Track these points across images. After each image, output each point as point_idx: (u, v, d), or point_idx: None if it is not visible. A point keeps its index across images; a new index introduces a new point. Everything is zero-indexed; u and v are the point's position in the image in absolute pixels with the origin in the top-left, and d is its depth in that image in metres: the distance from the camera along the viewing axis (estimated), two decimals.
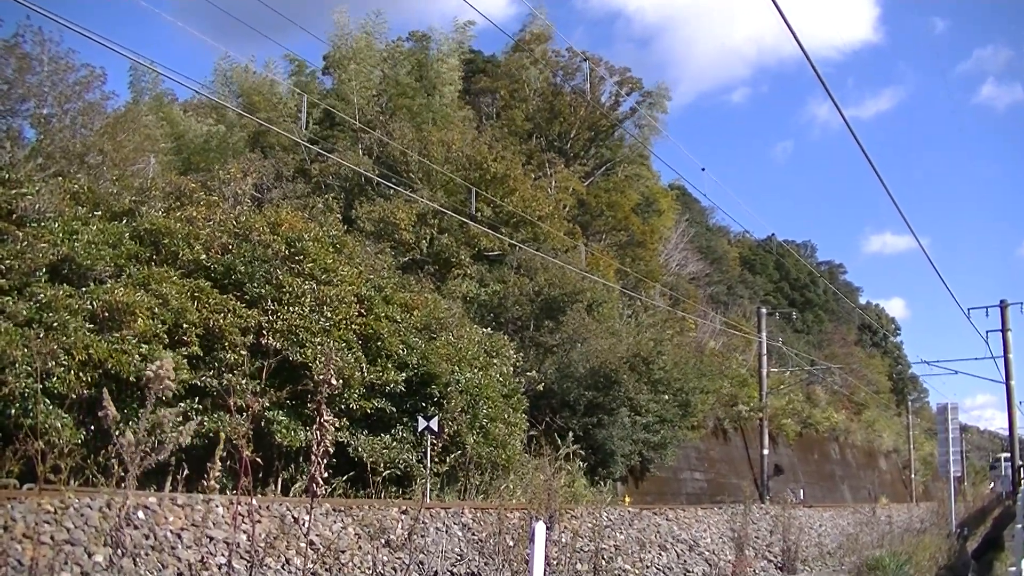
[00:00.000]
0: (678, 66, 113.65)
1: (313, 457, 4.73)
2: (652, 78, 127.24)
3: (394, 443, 14.89)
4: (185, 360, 12.48)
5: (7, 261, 11.70)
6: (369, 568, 7.43)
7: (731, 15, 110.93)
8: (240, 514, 6.29)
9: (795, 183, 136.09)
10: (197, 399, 12.45)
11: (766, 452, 33.06)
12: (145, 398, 7.24)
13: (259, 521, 6.85)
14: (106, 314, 11.91)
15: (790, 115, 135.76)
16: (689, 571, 12.82)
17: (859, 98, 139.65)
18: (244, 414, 10.76)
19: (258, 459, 5.58)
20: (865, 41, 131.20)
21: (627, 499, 21.07)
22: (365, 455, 13.94)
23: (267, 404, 12.59)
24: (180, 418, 9.62)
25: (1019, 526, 15.32)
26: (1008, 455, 44.36)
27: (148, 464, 5.51)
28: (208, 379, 12.79)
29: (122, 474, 6.30)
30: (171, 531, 6.48)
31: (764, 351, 34.14)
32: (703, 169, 31.03)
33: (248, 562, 6.27)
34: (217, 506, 7.13)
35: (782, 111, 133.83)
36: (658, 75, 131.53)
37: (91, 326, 11.72)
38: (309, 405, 13.26)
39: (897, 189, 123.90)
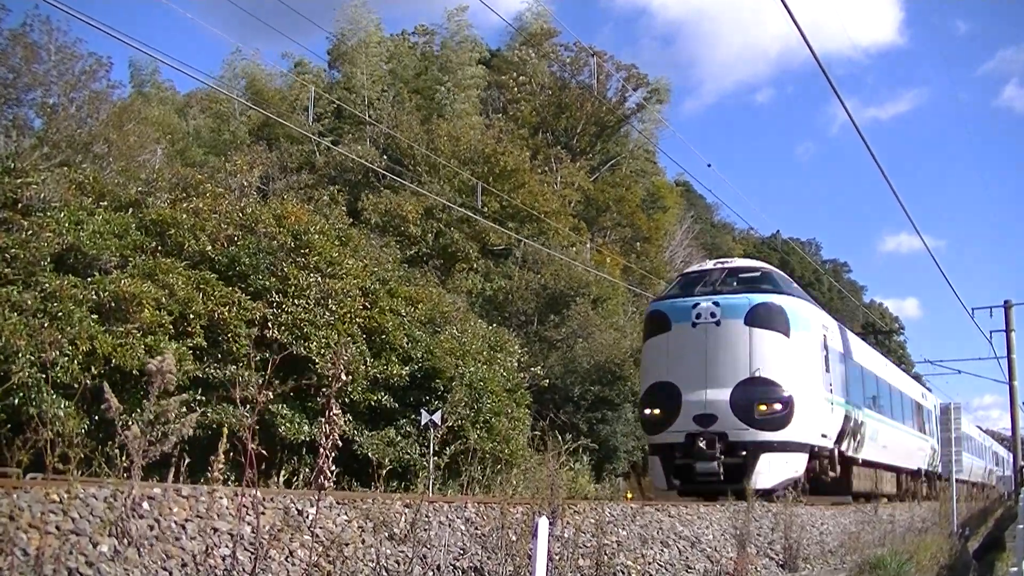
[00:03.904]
0: (702, 65, 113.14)
1: (321, 450, 4.73)
2: (677, 77, 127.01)
3: (397, 437, 14.90)
4: (190, 352, 12.49)
5: (12, 250, 11.70)
6: (372, 561, 7.43)
7: (755, 13, 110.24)
8: (244, 506, 6.28)
9: (812, 183, 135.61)
10: (201, 390, 12.45)
11: None
12: (149, 389, 7.24)
13: (263, 513, 6.85)
14: (112, 304, 11.91)
15: (812, 115, 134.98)
16: (691, 568, 12.81)
17: (883, 100, 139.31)
18: (248, 406, 10.77)
19: (263, 451, 5.58)
20: (891, 44, 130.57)
21: (629, 495, 21.05)
22: (367, 449, 13.96)
23: (271, 396, 12.58)
24: (183, 408, 9.63)
25: (1021, 526, 15.29)
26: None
27: (152, 455, 5.54)
28: (212, 371, 12.81)
29: (127, 464, 6.32)
30: (176, 522, 6.48)
31: None
32: (709, 165, 31.10)
33: (252, 554, 6.26)
34: (221, 497, 7.14)
35: (804, 111, 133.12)
36: (682, 74, 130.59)
37: (96, 316, 11.72)
38: (314, 398, 13.27)
39: (917, 190, 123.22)
